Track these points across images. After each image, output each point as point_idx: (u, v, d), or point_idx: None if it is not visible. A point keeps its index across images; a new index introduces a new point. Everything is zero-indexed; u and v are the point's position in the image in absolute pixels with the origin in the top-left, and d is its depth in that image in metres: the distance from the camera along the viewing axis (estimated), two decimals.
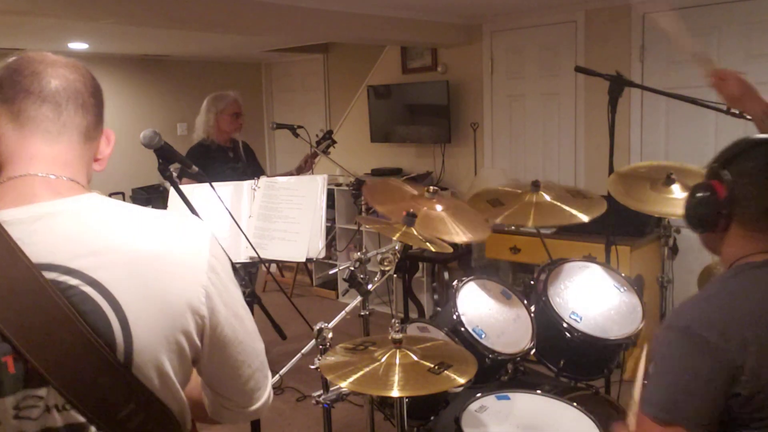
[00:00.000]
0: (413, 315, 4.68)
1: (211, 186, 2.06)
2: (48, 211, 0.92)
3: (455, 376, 1.62)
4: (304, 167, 3.90)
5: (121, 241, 0.94)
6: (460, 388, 1.77)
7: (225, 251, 1.07)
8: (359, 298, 2.17)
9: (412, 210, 2.12)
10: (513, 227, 3.96)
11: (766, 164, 1.32)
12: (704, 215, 1.37)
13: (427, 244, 2.13)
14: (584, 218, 2.41)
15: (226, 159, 3.85)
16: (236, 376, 1.08)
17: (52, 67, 0.99)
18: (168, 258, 0.96)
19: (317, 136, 3.99)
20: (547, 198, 2.50)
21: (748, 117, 2.29)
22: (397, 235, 2.06)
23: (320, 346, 1.85)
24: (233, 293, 1.04)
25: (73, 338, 0.88)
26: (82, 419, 0.91)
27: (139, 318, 0.91)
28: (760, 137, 1.38)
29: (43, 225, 0.91)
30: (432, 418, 2.16)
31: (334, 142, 3.98)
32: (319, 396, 1.84)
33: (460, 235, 2.17)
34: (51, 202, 0.94)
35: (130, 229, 0.96)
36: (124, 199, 6.46)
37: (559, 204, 2.48)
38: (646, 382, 1.30)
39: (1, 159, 0.97)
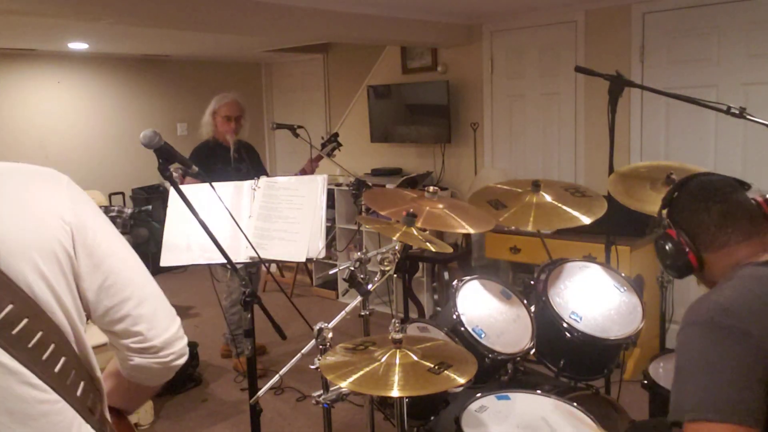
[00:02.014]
0: (413, 315, 4.68)
1: (211, 186, 2.06)
2: None
3: (455, 376, 1.62)
4: (308, 170, 3.89)
5: None
6: (460, 388, 1.77)
7: (224, 251, 1.07)
8: (359, 298, 2.16)
9: (412, 210, 2.12)
10: (513, 227, 3.96)
11: (691, 193, 1.47)
12: (678, 259, 1.47)
13: (427, 244, 2.13)
14: (585, 220, 2.41)
15: (231, 159, 3.86)
16: (126, 298, 1.08)
17: None
18: (31, 176, 1.06)
19: (323, 138, 3.99)
20: (548, 198, 2.50)
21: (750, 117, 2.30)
22: (397, 235, 2.06)
23: (320, 346, 1.85)
24: (100, 214, 1.11)
25: None
26: None
27: (2, 216, 0.97)
28: (685, 177, 1.53)
29: None
30: (432, 418, 2.16)
31: (340, 144, 3.97)
32: (319, 396, 1.84)
33: (464, 228, 2.17)
34: None
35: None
36: (124, 200, 6.47)
37: (559, 205, 2.48)
38: (681, 384, 1.26)
39: None
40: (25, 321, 0.96)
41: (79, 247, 1.04)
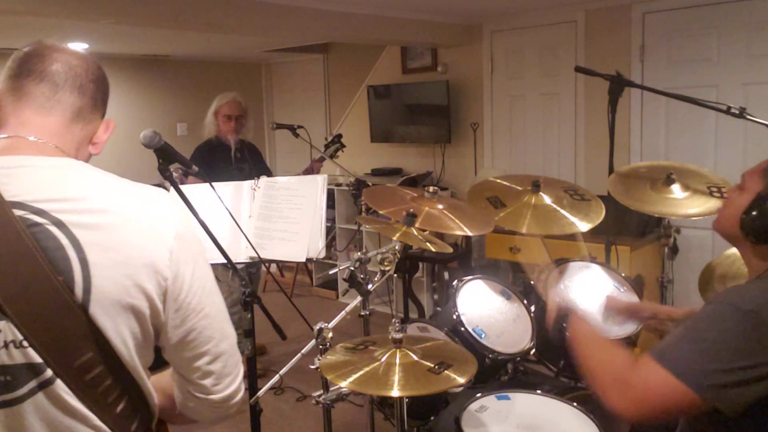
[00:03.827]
0: (413, 315, 4.68)
1: (211, 186, 2.06)
2: (28, 163, 1.00)
3: (455, 376, 1.62)
4: (312, 171, 3.89)
5: (93, 194, 0.99)
6: (460, 388, 1.77)
7: (224, 251, 1.07)
8: (359, 298, 2.16)
9: (412, 210, 2.12)
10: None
11: None
12: None
13: (427, 244, 2.13)
14: (582, 227, 2.35)
15: (233, 159, 3.87)
16: (202, 354, 1.08)
17: (58, 53, 1.08)
18: (137, 216, 1.01)
19: (326, 139, 3.97)
20: (547, 201, 2.44)
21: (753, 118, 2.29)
22: (397, 235, 2.06)
23: (320, 346, 1.85)
24: (202, 267, 1.08)
25: (32, 272, 0.92)
26: (38, 359, 0.93)
27: (100, 263, 0.95)
28: None
29: (22, 171, 0.98)
30: (432, 418, 2.16)
31: (343, 146, 3.95)
32: (319, 396, 1.84)
33: (463, 230, 2.16)
34: (33, 156, 1.01)
35: (104, 186, 1.02)
36: None
37: (557, 209, 2.42)
38: (679, 339, 1.26)
39: None
40: (99, 368, 0.97)
41: (170, 302, 1.02)
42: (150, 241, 1.00)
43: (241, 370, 1.16)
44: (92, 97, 1.10)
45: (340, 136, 3.98)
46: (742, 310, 1.22)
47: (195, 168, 1.81)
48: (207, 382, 1.10)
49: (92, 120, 1.11)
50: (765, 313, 1.20)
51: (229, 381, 1.13)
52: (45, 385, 0.94)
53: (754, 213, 1.37)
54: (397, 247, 2.12)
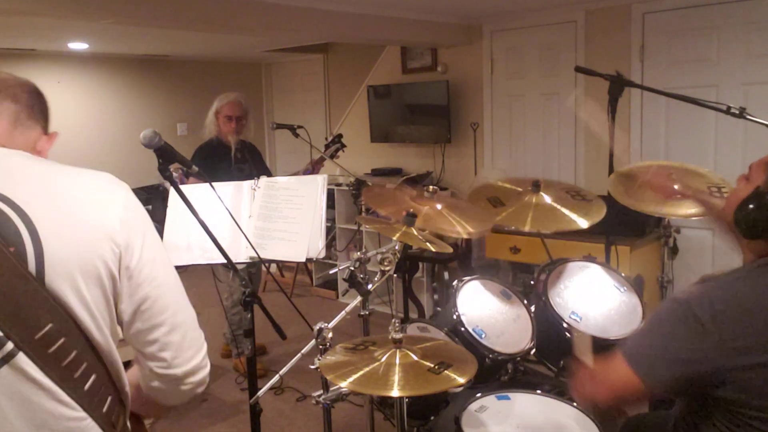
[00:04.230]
0: (413, 315, 4.68)
1: (211, 186, 2.06)
2: None
3: (455, 376, 1.62)
4: (313, 171, 3.89)
5: (39, 174, 1.05)
6: (460, 388, 1.77)
7: (224, 251, 1.06)
8: (359, 298, 2.16)
9: (412, 210, 2.11)
10: (513, 227, 3.95)
11: None
12: None
13: (427, 244, 2.13)
14: (583, 224, 2.39)
15: (234, 159, 3.86)
16: (159, 324, 1.10)
17: None
18: (84, 190, 1.06)
19: (326, 139, 3.96)
20: (547, 200, 2.48)
21: (755, 120, 2.30)
22: (397, 235, 2.06)
23: (320, 346, 1.85)
24: (152, 238, 1.12)
25: None
26: None
27: (50, 233, 0.98)
28: None
29: None
30: (432, 418, 2.16)
31: (344, 146, 3.95)
32: (319, 396, 1.84)
33: (464, 228, 2.16)
34: None
35: (49, 168, 1.07)
36: None
37: (558, 207, 2.46)
38: (639, 332, 1.44)
39: None
40: (62, 340, 0.98)
41: (123, 270, 1.06)
42: (99, 212, 1.05)
43: (204, 347, 1.19)
44: (27, 105, 1.17)
45: (340, 135, 3.97)
46: (678, 301, 1.30)
47: (195, 168, 1.81)
48: (167, 354, 1.12)
49: (31, 127, 1.18)
50: (695, 302, 1.27)
51: (190, 355, 1.14)
52: (8, 359, 0.96)
53: (748, 207, 1.37)
54: (397, 247, 2.12)
